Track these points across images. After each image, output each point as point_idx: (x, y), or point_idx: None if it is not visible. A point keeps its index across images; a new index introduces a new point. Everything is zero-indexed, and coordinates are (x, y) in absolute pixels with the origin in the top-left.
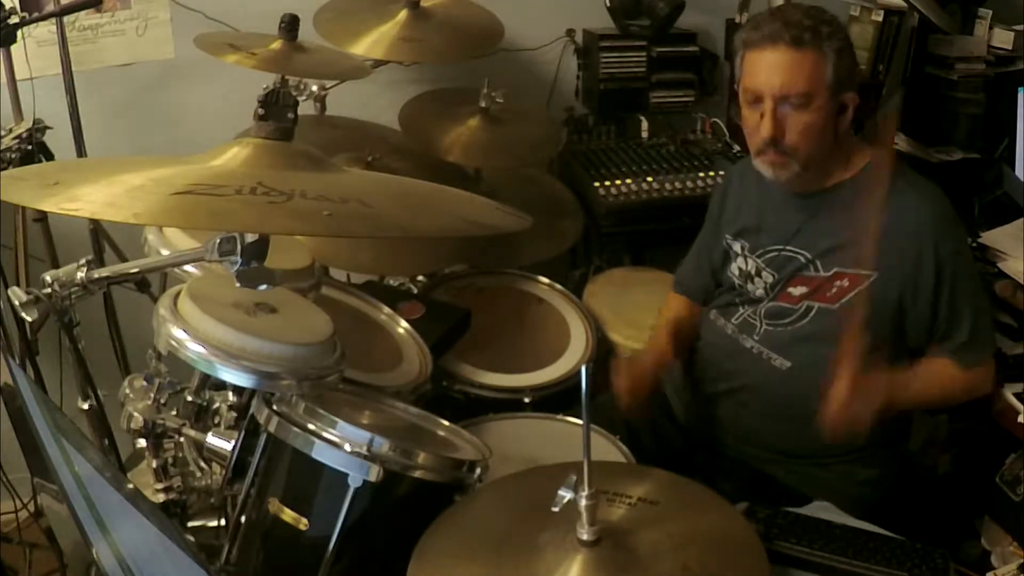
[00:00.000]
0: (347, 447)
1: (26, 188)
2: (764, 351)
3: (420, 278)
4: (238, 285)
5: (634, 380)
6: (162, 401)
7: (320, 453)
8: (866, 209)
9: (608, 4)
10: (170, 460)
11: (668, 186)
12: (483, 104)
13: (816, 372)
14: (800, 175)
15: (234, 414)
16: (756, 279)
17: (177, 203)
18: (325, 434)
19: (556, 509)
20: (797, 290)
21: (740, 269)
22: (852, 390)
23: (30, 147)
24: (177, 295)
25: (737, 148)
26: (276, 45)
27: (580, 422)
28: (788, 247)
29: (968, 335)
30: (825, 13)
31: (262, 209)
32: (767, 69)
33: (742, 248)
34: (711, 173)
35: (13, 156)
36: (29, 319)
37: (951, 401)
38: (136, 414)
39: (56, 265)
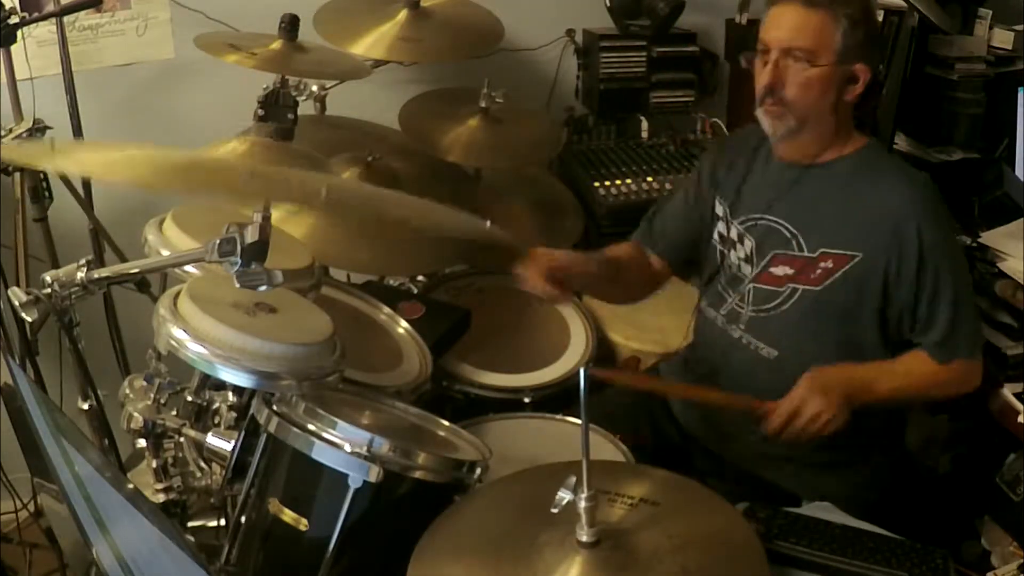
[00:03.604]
0: (347, 447)
1: (25, 150)
2: (751, 341)
3: (420, 278)
4: (238, 285)
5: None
6: (162, 401)
7: (320, 453)
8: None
9: (608, 4)
10: (170, 460)
11: (668, 186)
12: (483, 104)
13: (802, 361)
14: (795, 134)
15: (234, 414)
16: (739, 246)
17: (176, 166)
18: (325, 434)
19: (555, 511)
20: (780, 270)
21: (721, 235)
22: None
23: None
24: (177, 295)
25: None
26: (276, 45)
27: (580, 422)
28: (767, 216)
29: (946, 329)
30: None
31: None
32: (776, 22)
33: (724, 212)
34: None
35: None
36: (29, 319)
37: (929, 397)
38: (136, 414)
39: (56, 265)
